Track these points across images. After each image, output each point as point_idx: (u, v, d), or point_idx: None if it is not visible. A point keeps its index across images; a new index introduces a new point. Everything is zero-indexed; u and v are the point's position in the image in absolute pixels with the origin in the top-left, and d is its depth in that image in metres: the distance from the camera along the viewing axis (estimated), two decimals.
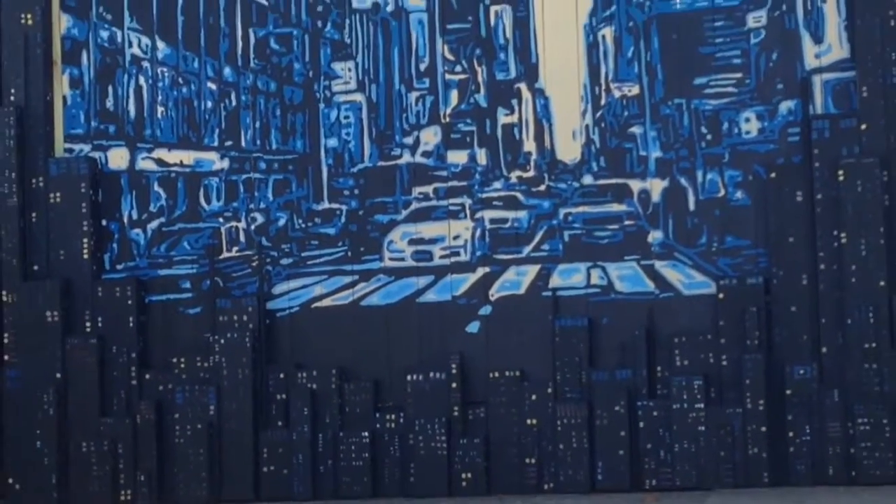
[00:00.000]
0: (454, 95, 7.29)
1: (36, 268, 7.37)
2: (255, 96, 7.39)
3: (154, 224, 7.42)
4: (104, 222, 7.41)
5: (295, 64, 7.38)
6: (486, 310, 7.19)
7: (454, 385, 7.09)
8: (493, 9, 7.26)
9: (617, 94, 7.18)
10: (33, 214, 7.37)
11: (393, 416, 7.13)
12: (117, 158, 7.43)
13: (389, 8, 7.31)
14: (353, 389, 7.17)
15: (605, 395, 6.99)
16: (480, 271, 7.21)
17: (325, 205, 7.35)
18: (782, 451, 6.87)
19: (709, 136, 7.10)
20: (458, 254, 7.23)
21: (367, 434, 7.10)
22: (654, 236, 7.12)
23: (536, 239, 7.19)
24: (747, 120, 7.08)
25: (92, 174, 7.35)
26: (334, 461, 7.11)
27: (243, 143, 7.39)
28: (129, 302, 7.28)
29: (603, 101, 7.19)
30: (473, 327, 7.18)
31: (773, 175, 6.99)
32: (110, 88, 7.46)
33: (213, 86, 7.41)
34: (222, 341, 7.19)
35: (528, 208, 7.21)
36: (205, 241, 7.39)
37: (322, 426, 7.15)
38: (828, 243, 6.88)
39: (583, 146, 7.19)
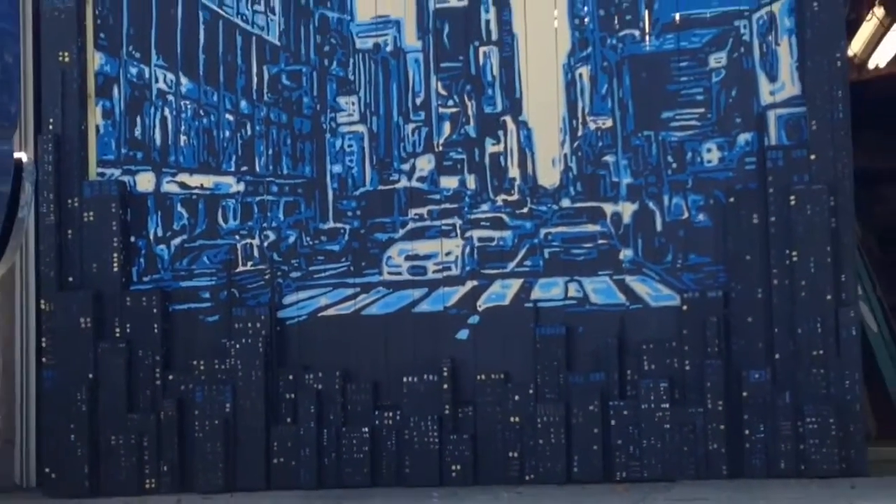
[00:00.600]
0: (447, 127, 7.32)
1: (71, 279, 7.35)
2: (269, 127, 7.42)
3: (177, 241, 7.43)
4: (132, 239, 7.40)
5: (304, 98, 7.42)
6: (474, 319, 7.21)
7: (445, 386, 7.10)
8: (481, 49, 7.31)
9: (592, 126, 7.23)
10: (69, 231, 7.36)
11: (390, 414, 7.15)
12: (144, 182, 7.44)
13: (389, 48, 7.36)
14: (354, 390, 7.19)
15: (581, 396, 7.02)
16: (469, 284, 7.24)
17: (331, 224, 7.37)
18: (739, 446, 6.90)
19: (674, 165, 7.14)
20: (449, 269, 7.26)
21: (367, 430, 7.12)
22: (625, 254, 7.16)
23: (520, 256, 7.22)
24: (709, 150, 7.12)
25: (122, 196, 7.36)
26: (337, 454, 7.12)
27: (257, 169, 7.42)
28: (155, 310, 7.28)
29: (580, 133, 7.23)
30: (463, 334, 7.21)
31: (731, 200, 7.04)
32: (138, 119, 7.47)
33: (230, 117, 7.44)
34: (237, 346, 7.21)
35: (512, 228, 7.24)
36: (222, 257, 7.40)
37: (327, 422, 7.16)
38: (780, 261, 6.93)
39: (561, 173, 7.23)
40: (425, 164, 7.32)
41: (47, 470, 7.28)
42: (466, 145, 7.31)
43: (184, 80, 7.46)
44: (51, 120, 7.42)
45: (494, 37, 7.29)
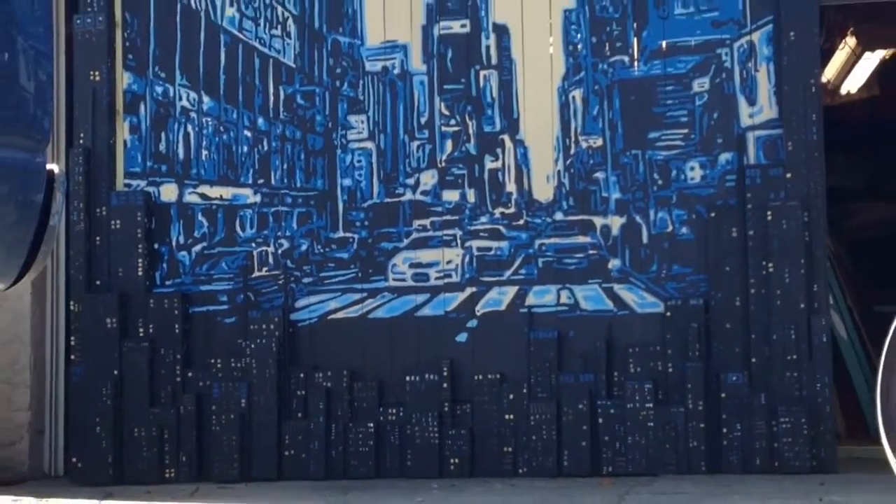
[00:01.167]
0: (449, 144, 7.36)
1: (98, 283, 7.37)
2: (284, 143, 7.45)
3: (198, 248, 7.45)
4: (156, 246, 7.43)
5: (317, 116, 7.46)
6: (472, 323, 7.25)
7: (445, 385, 7.14)
8: (482, 73, 7.36)
9: (584, 145, 7.27)
10: (97, 238, 7.39)
11: (394, 411, 7.18)
12: (168, 193, 7.47)
13: (396, 71, 7.41)
14: (361, 388, 7.22)
15: (571, 396, 7.05)
16: (468, 291, 7.28)
17: (340, 234, 7.39)
18: (717, 444, 6.94)
19: (660, 182, 7.19)
20: (450, 276, 7.29)
21: (372, 425, 7.14)
22: (614, 264, 7.20)
23: (515, 264, 7.26)
24: (692, 168, 7.16)
25: (146, 205, 7.39)
26: (344, 447, 7.15)
27: (273, 182, 7.45)
28: (176, 312, 7.30)
29: (572, 151, 7.27)
30: (462, 337, 7.24)
31: (712, 214, 7.08)
32: (163, 134, 7.49)
33: (248, 133, 7.47)
34: (252, 346, 7.24)
35: (508, 239, 7.28)
36: (239, 263, 7.42)
37: (335, 418, 7.18)
38: (757, 272, 6.97)
39: (555, 188, 7.27)
40: (429, 178, 7.35)
41: (74, 459, 7.31)
42: (467, 162, 7.35)
43: (206, 98, 7.49)
44: (81, 134, 7.45)
45: (494, 61, 7.34)
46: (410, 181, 7.37)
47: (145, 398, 7.25)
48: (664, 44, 7.23)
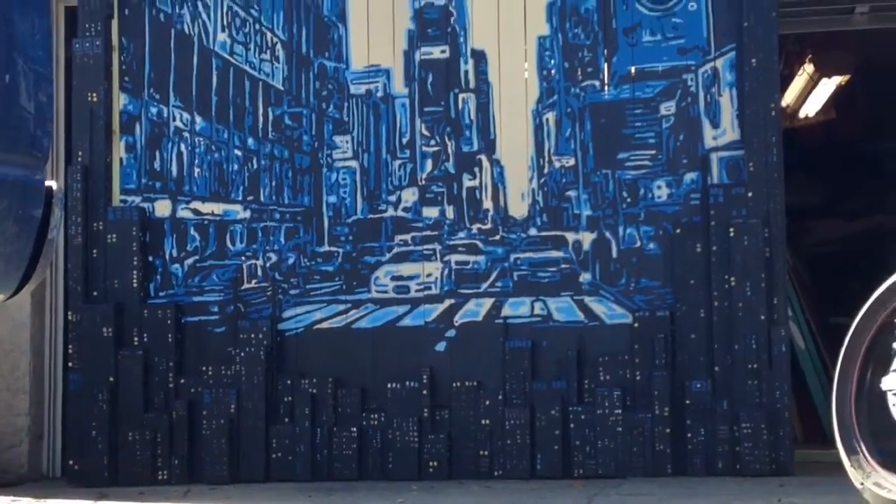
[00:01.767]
0: (429, 163, 7.35)
1: (95, 293, 7.33)
2: (272, 161, 7.44)
3: (190, 261, 7.42)
4: (150, 258, 7.40)
5: (304, 136, 7.45)
6: (451, 333, 7.23)
7: (425, 392, 7.13)
8: (460, 96, 7.35)
9: (557, 164, 7.26)
10: (94, 251, 7.35)
11: (376, 416, 7.17)
12: (162, 208, 7.44)
13: (379, 94, 7.40)
14: (344, 394, 7.20)
15: (544, 402, 7.05)
16: (447, 302, 7.27)
17: (326, 248, 7.37)
18: (682, 448, 6.94)
19: (628, 199, 7.19)
20: (429, 288, 7.28)
21: (355, 430, 7.13)
22: (585, 277, 7.19)
23: (492, 278, 7.25)
24: (659, 187, 7.17)
25: (141, 220, 7.36)
26: (329, 451, 7.13)
27: (262, 198, 7.43)
28: (169, 322, 7.27)
29: (546, 170, 7.27)
30: (441, 346, 7.23)
31: (678, 231, 7.09)
32: (157, 153, 7.47)
33: (238, 152, 7.45)
34: (242, 354, 7.22)
35: (485, 253, 7.27)
36: (230, 275, 7.39)
37: (320, 423, 7.16)
38: (720, 285, 6.98)
39: (529, 205, 7.26)
40: (410, 196, 7.35)
41: (71, 462, 7.28)
42: (446, 180, 7.35)
43: (198, 119, 7.47)
44: (80, 153, 7.42)
45: (472, 85, 7.34)
46: (392, 198, 7.37)
47: (139, 404, 7.22)
48: (633, 69, 7.24)
